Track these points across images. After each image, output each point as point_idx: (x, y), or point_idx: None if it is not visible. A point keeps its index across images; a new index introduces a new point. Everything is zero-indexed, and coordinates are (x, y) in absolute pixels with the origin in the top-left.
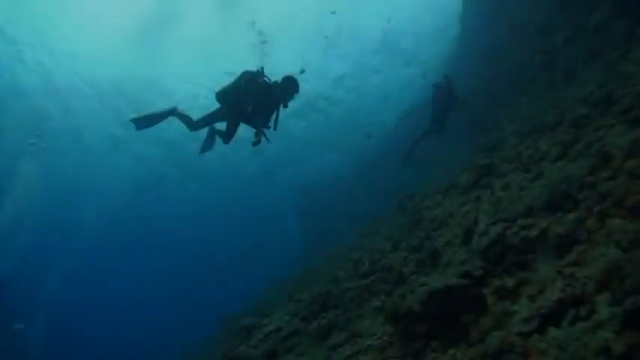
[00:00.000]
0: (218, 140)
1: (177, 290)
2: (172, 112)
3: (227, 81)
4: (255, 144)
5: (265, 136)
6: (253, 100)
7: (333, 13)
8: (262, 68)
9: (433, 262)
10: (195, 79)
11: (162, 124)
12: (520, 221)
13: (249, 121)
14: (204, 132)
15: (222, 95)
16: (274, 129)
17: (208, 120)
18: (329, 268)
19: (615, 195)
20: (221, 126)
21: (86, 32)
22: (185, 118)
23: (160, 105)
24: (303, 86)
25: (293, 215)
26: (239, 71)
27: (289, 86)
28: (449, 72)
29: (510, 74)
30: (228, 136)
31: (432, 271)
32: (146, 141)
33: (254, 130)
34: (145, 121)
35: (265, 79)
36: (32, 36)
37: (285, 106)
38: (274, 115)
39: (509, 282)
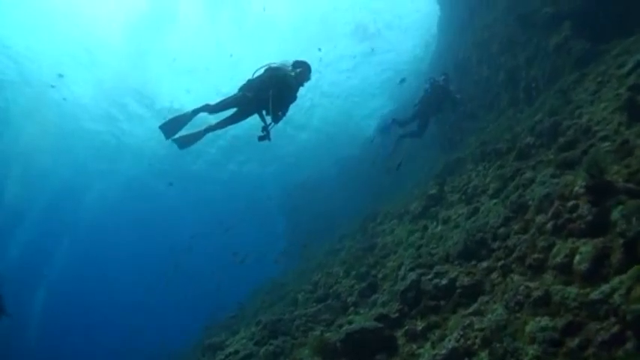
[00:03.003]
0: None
1: (153, 295)
2: (194, 112)
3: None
4: (261, 138)
5: (269, 133)
6: (271, 87)
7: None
8: (287, 61)
9: (371, 293)
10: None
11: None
12: (437, 268)
13: (262, 112)
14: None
15: (247, 85)
16: (283, 116)
17: (225, 104)
18: (295, 284)
19: (520, 250)
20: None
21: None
22: (204, 108)
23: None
24: None
25: (278, 217)
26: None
27: (304, 69)
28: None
29: (477, 89)
30: (232, 121)
31: (368, 302)
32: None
33: (248, 131)
34: (171, 128)
35: (286, 69)
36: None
37: (301, 85)
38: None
39: (420, 325)
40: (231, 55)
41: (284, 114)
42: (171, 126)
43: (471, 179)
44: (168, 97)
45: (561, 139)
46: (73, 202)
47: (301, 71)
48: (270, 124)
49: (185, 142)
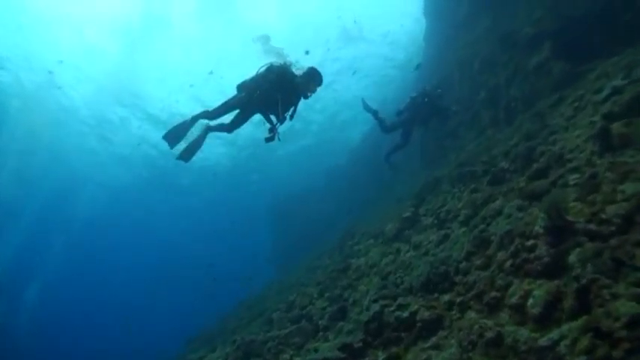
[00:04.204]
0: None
1: (144, 298)
2: (193, 120)
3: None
4: (268, 140)
5: (277, 132)
6: (280, 90)
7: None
8: (290, 61)
9: (342, 317)
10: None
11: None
12: (400, 299)
13: (266, 113)
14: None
15: (247, 85)
16: (291, 119)
17: (226, 108)
18: (274, 301)
19: (479, 287)
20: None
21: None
22: (204, 114)
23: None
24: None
25: (264, 225)
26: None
27: (313, 78)
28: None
29: (458, 107)
30: (233, 125)
31: (337, 327)
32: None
33: (248, 132)
34: (175, 136)
35: (291, 71)
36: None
37: (306, 98)
38: (292, 108)
39: (381, 356)
40: (211, 72)
41: (291, 117)
42: (174, 135)
43: (446, 202)
44: (159, 104)
45: (534, 166)
46: (66, 204)
47: (309, 81)
48: (276, 124)
49: (189, 154)
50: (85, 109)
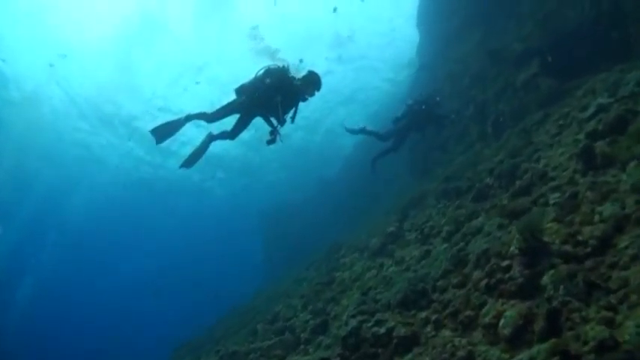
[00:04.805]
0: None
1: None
2: (187, 119)
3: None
4: (270, 142)
5: (279, 134)
6: (278, 93)
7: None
8: (288, 64)
9: (323, 331)
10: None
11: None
12: (378, 315)
13: (267, 116)
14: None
15: (245, 89)
16: (292, 122)
17: (225, 112)
18: (260, 312)
19: (454, 305)
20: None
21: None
22: (200, 116)
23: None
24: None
25: (256, 235)
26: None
27: (312, 83)
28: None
29: (456, 115)
30: (235, 131)
31: (317, 341)
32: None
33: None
34: (164, 133)
35: (290, 74)
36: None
37: (304, 101)
38: (293, 110)
39: None
40: (197, 83)
41: (293, 120)
42: (163, 131)
43: (431, 217)
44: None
45: (518, 183)
46: (59, 204)
47: (309, 85)
48: (277, 126)
49: (192, 161)
50: (81, 108)
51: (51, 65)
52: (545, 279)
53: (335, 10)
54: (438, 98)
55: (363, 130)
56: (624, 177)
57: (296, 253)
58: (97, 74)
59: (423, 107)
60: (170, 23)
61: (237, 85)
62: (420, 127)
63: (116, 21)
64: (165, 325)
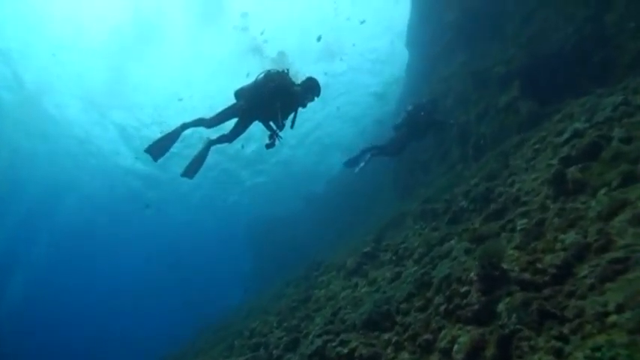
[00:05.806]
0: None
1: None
2: (184, 127)
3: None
4: (268, 146)
5: (279, 137)
6: (278, 98)
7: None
8: (287, 69)
9: (293, 349)
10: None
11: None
12: (343, 335)
13: (266, 121)
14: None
15: (245, 93)
16: (292, 127)
17: (224, 116)
18: (238, 328)
19: (414, 328)
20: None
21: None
22: (198, 122)
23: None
24: None
25: (244, 247)
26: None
27: (311, 88)
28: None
29: (455, 121)
30: (234, 134)
31: (288, 357)
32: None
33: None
34: (160, 148)
35: (289, 79)
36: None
37: (304, 107)
38: (292, 115)
39: None
40: (180, 99)
41: (292, 125)
42: (159, 147)
43: (407, 238)
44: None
45: (492, 206)
46: (50, 207)
47: (308, 91)
48: (276, 130)
49: (193, 170)
50: (75, 116)
51: (53, 55)
52: (501, 306)
53: (319, 39)
54: (436, 104)
55: (364, 152)
56: (593, 204)
57: (283, 266)
58: (91, 77)
59: (422, 113)
60: (165, 32)
61: (236, 88)
62: (421, 134)
63: (111, 25)
64: (152, 333)
